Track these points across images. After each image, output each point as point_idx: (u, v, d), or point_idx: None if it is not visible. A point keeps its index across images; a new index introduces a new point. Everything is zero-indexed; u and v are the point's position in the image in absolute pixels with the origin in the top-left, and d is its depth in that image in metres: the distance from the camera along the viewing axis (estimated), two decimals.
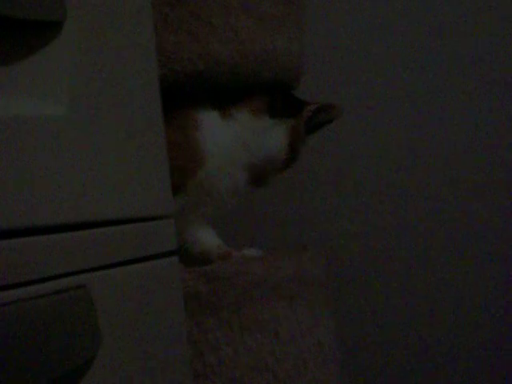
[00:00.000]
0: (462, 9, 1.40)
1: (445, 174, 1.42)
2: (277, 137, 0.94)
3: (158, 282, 0.57)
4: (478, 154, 1.41)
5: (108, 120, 0.52)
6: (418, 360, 1.42)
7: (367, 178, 1.43)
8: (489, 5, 1.39)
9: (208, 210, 0.94)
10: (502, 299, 1.41)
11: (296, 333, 0.90)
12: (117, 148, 0.53)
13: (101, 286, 0.50)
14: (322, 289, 0.96)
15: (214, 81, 0.87)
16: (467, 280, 1.42)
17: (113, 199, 0.53)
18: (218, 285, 0.83)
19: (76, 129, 0.48)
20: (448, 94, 1.41)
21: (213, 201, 0.93)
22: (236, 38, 0.87)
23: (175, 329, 0.58)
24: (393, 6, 1.41)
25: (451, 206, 1.42)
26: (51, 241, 0.46)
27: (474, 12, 1.39)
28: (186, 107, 0.90)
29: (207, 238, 0.96)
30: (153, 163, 0.59)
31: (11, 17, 0.42)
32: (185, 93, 0.89)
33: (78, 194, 0.49)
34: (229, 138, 0.91)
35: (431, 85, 1.41)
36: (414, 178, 1.42)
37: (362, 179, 1.43)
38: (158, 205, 0.59)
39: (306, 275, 0.93)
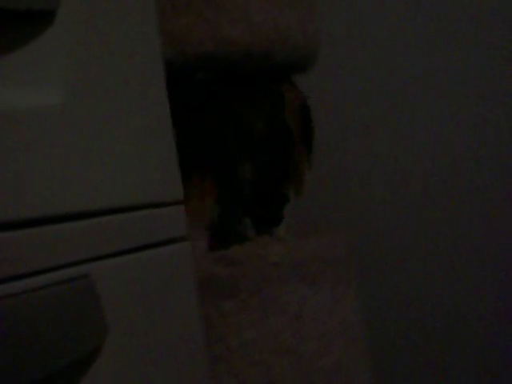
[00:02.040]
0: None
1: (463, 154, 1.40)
2: None
3: (169, 269, 0.56)
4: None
5: (110, 107, 0.52)
6: (443, 338, 1.41)
7: (388, 158, 1.42)
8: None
9: None
10: None
11: (319, 313, 0.89)
12: (120, 135, 0.52)
13: (109, 274, 0.49)
14: (344, 269, 0.95)
15: (225, 62, 0.86)
16: (493, 263, 1.40)
17: (119, 186, 0.52)
18: (237, 268, 0.83)
19: (75, 117, 0.48)
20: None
21: None
22: (246, 18, 0.86)
23: (188, 316, 0.58)
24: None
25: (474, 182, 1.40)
26: (54, 231, 0.45)
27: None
28: None
29: None
30: (160, 149, 0.58)
31: (2, 8, 0.41)
32: None
33: (81, 182, 0.48)
34: None
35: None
36: (435, 159, 1.41)
37: (382, 159, 1.42)
38: (166, 191, 0.58)
39: (327, 255, 0.92)
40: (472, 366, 1.40)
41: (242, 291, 0.83)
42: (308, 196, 1.40)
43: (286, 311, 0.86)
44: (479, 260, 1.40)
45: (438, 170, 1.41)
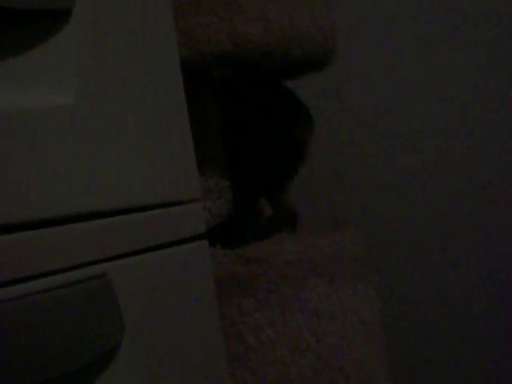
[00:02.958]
0: None
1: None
2: None
3: (187, 267, 0.56)
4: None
5: (124, 106, 0.52)
6: (463, 337, 1.40)
7: (404, 156, 1.41)
8: None
9: None
10: None
11: (337, 311, 0.89)
12: (135, 134, 0.52)
13: (126, 273, 0.49)
14: (363, 267, 0.95)
15: (243, 61, 0.86)
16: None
17: (135, 186, 0.52)
18: (255, 265, 0.83)
19: (88, 117, 0.48)
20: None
21: None
22: (263, 17, 0.86)
23: (206, 314, 0.58)
24: None
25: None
26: (71, 231, 0.46)
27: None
28: None
29: None
30: (178, 146, 0.58)
31: (17, 9, 0.41)
32: None
33: (97, 182, 0.48)
34: None
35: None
36: (452, 157, 1.40)
37: (399, 157, 1.41)
38: (183, 189, 0.58)
39: (345, 253, 0.92)
40: (491, 366, 1.40)
41: (261, 289, 0.83)
42: (325, 194, 1.40)
43: (305, 309, 0.86)
44: (497, 259, 1.40)
45: (454, 169, 1.40)
